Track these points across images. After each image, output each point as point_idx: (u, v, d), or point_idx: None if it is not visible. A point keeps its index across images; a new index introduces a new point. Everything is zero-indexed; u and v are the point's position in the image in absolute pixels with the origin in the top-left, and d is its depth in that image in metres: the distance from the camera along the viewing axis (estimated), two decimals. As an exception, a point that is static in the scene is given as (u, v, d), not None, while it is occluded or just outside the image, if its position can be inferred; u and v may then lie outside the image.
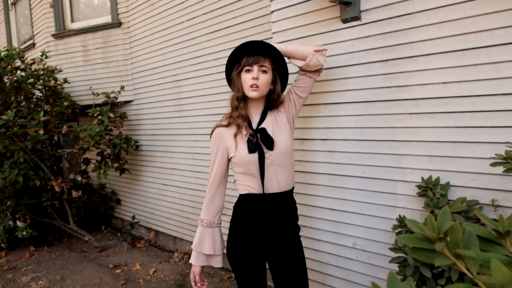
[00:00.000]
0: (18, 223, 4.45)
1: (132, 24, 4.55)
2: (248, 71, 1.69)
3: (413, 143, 1.79)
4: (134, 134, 4.64)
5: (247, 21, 3.24)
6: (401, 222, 1.75)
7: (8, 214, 4.06)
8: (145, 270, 3.92)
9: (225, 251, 1.80)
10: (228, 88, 3.36)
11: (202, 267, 1.80)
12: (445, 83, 1.67)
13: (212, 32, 3.55)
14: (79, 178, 5.35)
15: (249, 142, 1.67)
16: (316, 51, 1.78)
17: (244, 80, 1.70)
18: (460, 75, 1.62)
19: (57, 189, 4.12)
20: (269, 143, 1.68)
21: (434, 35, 1.68)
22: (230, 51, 3.28)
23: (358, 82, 1.95)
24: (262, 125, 1.73)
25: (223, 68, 3.36)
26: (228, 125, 1.74)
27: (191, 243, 4.07)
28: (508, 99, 1.50)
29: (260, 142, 1.68)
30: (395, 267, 1.75)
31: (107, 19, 4.74)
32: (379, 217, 1.94)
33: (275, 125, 1.75)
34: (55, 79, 4.32)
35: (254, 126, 1.74)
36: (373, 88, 1.90)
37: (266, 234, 1.73)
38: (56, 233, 4.97)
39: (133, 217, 4.69)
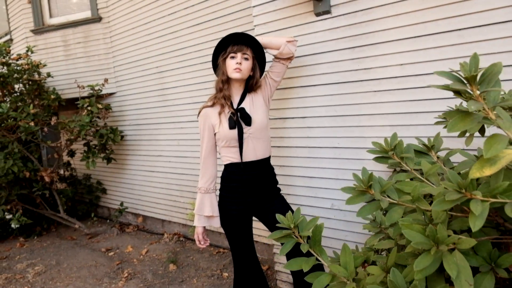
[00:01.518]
0: (7, 215, 4.59)
1: (112, 18, 4.73)
2: (232, 57, 2.00)
3: (377, 115, 2.15)
4: (118, 125, 4.84)
5: (226, 15, 3.52)
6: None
7: (1, 205, 4.20)
8: (138, 251, 4.18)
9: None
10: (210, 78, 3.66)
11: (204, 227, 2.11)
12: (402, 64, 2.03)
13: (194, 26, 3.81)
14: (61, 171, 5.50)
15: (230, 119, 2.00)
16: (288, 41, 2.11)
17: (228, 65, 2.01)
18: (414, 58, 1.98)
19: (47, 179, 4.29)
20: (247, 120, 2.01)
21: (391, 25, 2.04)
22: (212, 43, 3.60)
23: (330, 66, 2.29)
24: (242, 105, 2.05)
25: (206, 59, 3.68)
26: (213, 105, 2.05)
27: (179, 224, 4.39)
28: (450, 76, 1.88)
29: (240, 119, 2.00)
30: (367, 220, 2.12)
31: (87, 14, 4.90)
32: (352, 180, 2.30)
33: (252, 105, 2.07)
34: (39, 74, 4.47)
35: (235, 106, 2.05)
36: (343, 71, 2.24)
37: (249, 195, 2.06)
38: (44, 224, 5.13)
39: (121, 204, 4.91)
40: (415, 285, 0.69)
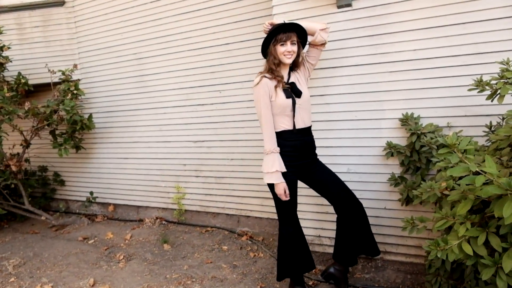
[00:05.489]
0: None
1: (78, 3, 4.60)
2: (282, 44, 2.33)
3: (392, 92, 2.64)
4: (84, 113, 4.70)
5: (219, 5, 3.74)
6: (389, 145, 2.59)
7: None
8: (121, 237, 4.16)
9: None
10: (198, 64, 3.80)
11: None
12: (415, 50, 2.54)
13: (180, 14, 3.95)
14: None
15: (285, 91, 2.34)
16: (321, 29, 2.49)
17: (280, 51, 2.34)
18: (425, 44, 2.51)
19: (14, 168, 4.05)
20: (298, 93, 2.37)
21: (406, 18, 2.54)
22: (202, 31, 3.77)
23: (351, 51, 2.73)
24: (291, 81, 2.39)
25: (194, 47, 3.80)
26: (271, 78, 2.35)
27: (159, 209, 4.47)
28: (455, 59, 2.43)
29: (291, 92, 2.35)
30: (381, 178, 2.61)
31: (47, -3, 4.67)
32: (368, 147, 2.76)
33: (299, 82, 2.43)
34: (3, 57, 4.16)
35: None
36: (362, 55, 2.70)
37: (299, 158, 2.40)
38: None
39: (91, 193, 4.78)
40: None
